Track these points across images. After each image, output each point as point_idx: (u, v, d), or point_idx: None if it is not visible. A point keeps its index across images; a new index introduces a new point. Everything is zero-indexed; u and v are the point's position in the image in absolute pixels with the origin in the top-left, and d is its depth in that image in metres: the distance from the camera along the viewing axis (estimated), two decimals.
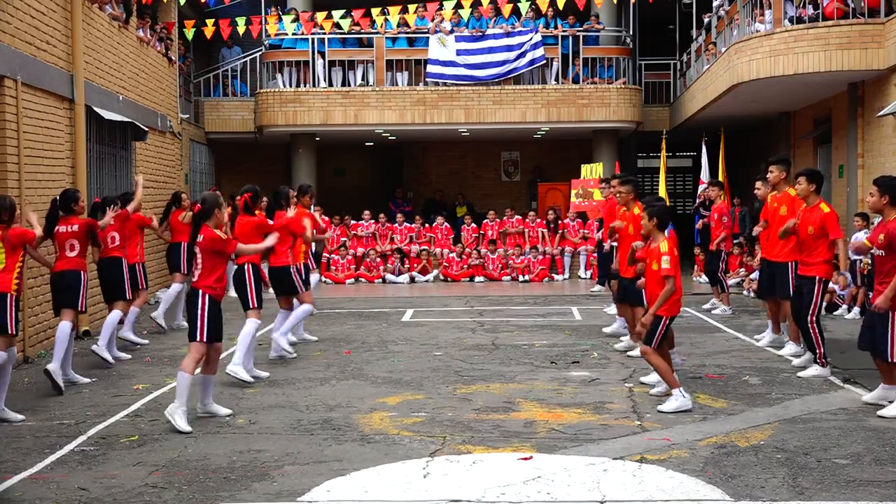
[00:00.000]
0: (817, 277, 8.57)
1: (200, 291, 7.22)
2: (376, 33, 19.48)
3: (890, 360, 7.20)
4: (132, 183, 14.41)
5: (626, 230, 9.49)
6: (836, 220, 8.65)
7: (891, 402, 7.26)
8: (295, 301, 10.02)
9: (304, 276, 10.01)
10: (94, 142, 12.87)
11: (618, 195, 9.90)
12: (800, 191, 8.87)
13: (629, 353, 9.82)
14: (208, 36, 19.16)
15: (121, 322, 10.32)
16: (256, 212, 9.05)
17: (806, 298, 8.63)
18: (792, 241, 9.26)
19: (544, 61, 19.30)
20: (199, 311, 7.18)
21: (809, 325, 8.56)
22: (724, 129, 18.34)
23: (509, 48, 19.20)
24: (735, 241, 17.47)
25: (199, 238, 7.24)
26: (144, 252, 11.29)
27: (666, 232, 7.75)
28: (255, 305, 8.77)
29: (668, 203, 17.73)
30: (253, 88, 20.56)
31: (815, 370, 8.66)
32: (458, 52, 19.19)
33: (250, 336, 8.69)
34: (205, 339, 7.20)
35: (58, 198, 8.87)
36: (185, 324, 12.24)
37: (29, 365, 9.73)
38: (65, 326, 8.57)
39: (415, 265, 18.79)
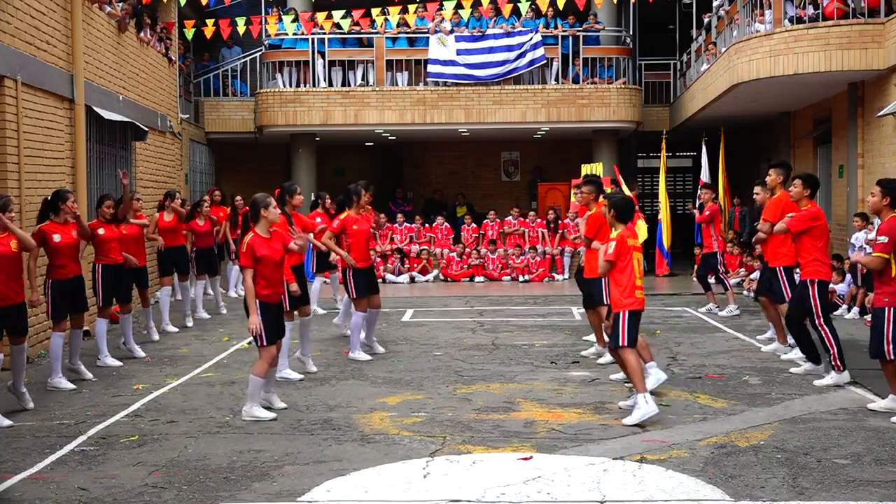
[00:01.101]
0: (808, 280, 8.45)
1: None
2: (376, 33, 19.48)
3: (888, 357, 7.08)
4: (133, 184, 14.43)
5: (591, 232, 9.38)
6: (803, 218, 8.48)
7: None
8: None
9: (355, 282, 9.78)
10: (94, 142, 12.87)
11: (579, 195, 9.63)
12: (793, 193, 8.75)
13: (599, 361, 9.61)
14: (208, 36, 19.15)
15: (116, 321, 10.33)
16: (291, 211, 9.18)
17: (805, 303, 8.44)
18: (787, 245, 9.20)
19: (544, 61, 19.30)
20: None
21: (820, 329, 8.29)
22: (724, 129, 18.34)
23: (509, 48, 19.20)
24: (729, 241, 17.49)
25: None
26: (146, 254, 11.26)
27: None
28: (287, 309, 8.82)
29: (667, 203, 17.83)
30: (253, 88, 20.56)
31: (832, 377, 8.26)
32: (459, 52, 19.18)
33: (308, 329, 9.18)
34: (265, 343, 7.23)
35: (48, 197, 8.79)
36: (189, 323, 12.41)
37: (29, 365, 9.71)
38: (53, 340, 8.58)
39: (415, 265, 18.79)
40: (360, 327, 9.95)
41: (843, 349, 8.30)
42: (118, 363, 9.70)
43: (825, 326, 8.28)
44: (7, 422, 7.22)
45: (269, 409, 7.48)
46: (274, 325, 7.32)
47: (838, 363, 8.23)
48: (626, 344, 7.20)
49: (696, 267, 17.43)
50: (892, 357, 7.06)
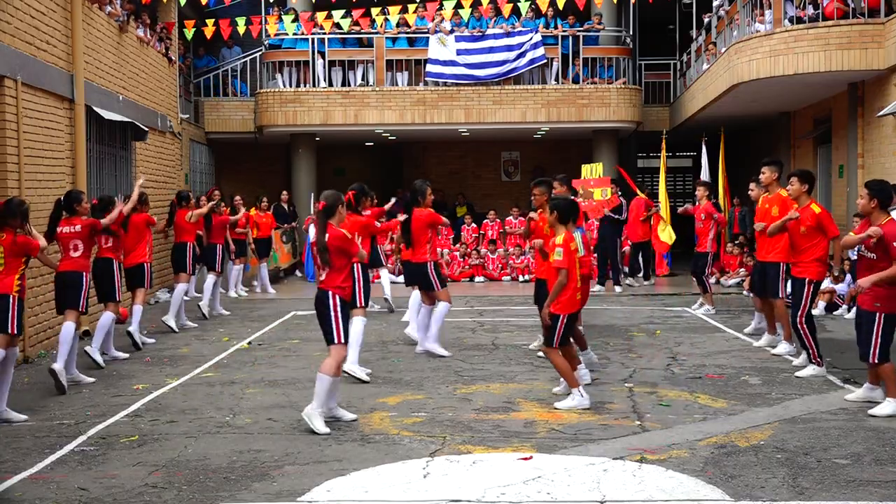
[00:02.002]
0: (807, 279, 8.56)
1: (330, 293, 7.00)
2: (376, 33, 19.47)
3: (871, 361, 7.17)
4: (132, 184, 14.43)
5: (543, 230, 9.41)
6: (831, 219, 8.66)
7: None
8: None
9: (437, 275, 9.93)
10: (94, 142, 12.87)
11: (532, 197, 9.60)
12: (792, 191, 8.87)
13: (539, 354, 9.67)
14: (208, 36, 19.16)
15: (122, 322, 10.33)
16: (367, 211, 9.14)
17: (795, 299, 8.65)
18: (784, 241, 9.25)
19: (544, 61, 19.28)
20: (333, 314, 6.96)
21: (799, 326, 8.58)
22: (724, 129, 18.33)
23: (509, 48, 19.19)
24: (735, 242, 17.52)
25: (325, 237, 6.98)
26: (152, 252, 11.26)
27: (578, 232, 7.81)
28: (363, 304, 8.84)
29: (667, 203, 17.84)
30: (253, 88, 20.56)
31: (811, 370, 8.65)
32: (458, 52, 19.18)
33: (360, 334, 8.72)
34: (343, 341, 7.02)
35: (62, 198, 8.94)
36: (191, 324, 12.41)
37: (29, 365, 9.73)
38: (68, 327, 8.61)
39: None
40: (445, 316, 10.05)
41: (820, 345, 8.72)
42: (101, 362, 9.55)
43: (805, 325, 8.57)
44: (23, 416, 7.29)
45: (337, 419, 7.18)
46: (347, 323, 7.10)
47: (818, 359, 8.63)
48: (558, 345, 7.50)
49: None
50: (877, 361, 7.14)
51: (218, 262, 13.38)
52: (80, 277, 8.73)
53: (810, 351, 8.64)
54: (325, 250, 6.97)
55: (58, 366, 8.39)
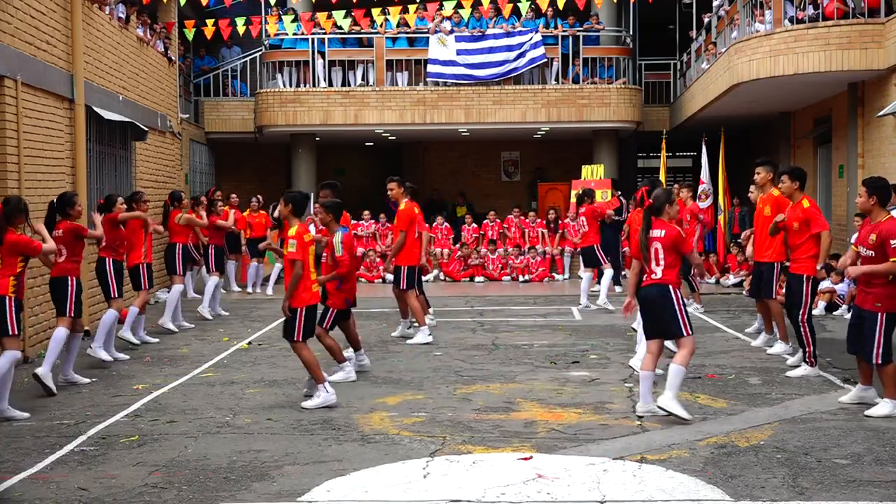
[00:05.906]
0: (805, 276, 8.57)
1: (670, 287, 7.12)
2: (376, 33, 19.48)
3: (875, 361, 7.13)
4: (133, 184, 14.43)
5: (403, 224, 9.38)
6: (818, 214, 8.63)
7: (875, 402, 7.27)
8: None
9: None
10: (94, 142, 12.87)
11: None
12: (783, 189, 8.90)
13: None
14: (208, 36, 19.16)
15: (121, 321, 10.31)
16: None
17: (795, 297, 8.64)
18: (779, 240, 9.25)
19: (545, 59, 19.29)
20: (677, 306, 7.09)
21: (800, 324, 8.56)
22: (724, 129, 18.33)
23: (509, 48, 19.21)
24: (735, 241, 17.52)
25: (648, 235, 7.13)
26: (151, 252, 11.25)
27: (340, 231, 8.30)
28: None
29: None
30: (253, 88, 20.56)
31: (803, 369, 8.63)
32: (459, 52, 19.19)
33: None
34: (691, 332, 7.14)
35: (54, 201, 8.84)
36: (188, 324, 12.38)
37: (29, 365, 9.71)
38: (58, 333, 8.49)
39: None
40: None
41: (818, 346, 8.72)
42: (107, 359, 9.62)
43: (806, 324, 8.57)
44: (24, 414, 7.28)
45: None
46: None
47: (812, 359, 8.62)
48: (300, 339, 7.62)
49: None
50: (881, 362, 7.10)
51: (212, 263, 13.23)
52: (65, 283, 8.53)
53: (807, 350, 8.61)
54: (646, 248, 7.12)
55: (41, 370, 8.32)
